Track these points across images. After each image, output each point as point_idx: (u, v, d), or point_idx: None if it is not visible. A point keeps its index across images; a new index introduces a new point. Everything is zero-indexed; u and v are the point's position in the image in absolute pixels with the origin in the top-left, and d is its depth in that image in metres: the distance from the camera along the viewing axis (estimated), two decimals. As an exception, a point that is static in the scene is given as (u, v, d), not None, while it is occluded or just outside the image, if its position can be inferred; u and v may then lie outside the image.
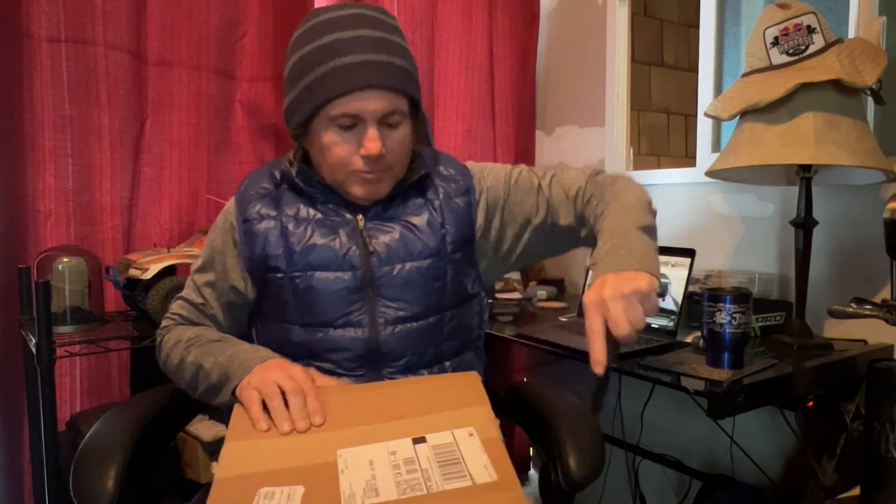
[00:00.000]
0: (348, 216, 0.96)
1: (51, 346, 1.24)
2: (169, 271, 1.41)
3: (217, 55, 1.72)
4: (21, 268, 1.43)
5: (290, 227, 0.95)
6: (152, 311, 1.37)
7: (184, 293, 1.04)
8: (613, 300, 0.75)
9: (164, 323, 1.04)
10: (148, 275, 1.37)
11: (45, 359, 1.23)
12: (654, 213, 0.94)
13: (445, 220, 0.97)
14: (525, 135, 2.25)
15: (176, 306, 1.04)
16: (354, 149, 0.89)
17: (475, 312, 1.05)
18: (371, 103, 0.87)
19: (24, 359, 1.46)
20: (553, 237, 1.03)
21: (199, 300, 1.01)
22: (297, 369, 0.85)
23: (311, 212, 0.96)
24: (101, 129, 1.56)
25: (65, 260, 1.42)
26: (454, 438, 0.74)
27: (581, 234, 1.01)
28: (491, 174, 1.03)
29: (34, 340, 1.25)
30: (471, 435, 0.74)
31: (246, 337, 1.01)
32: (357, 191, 0.93)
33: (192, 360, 0.93)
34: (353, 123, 0.88)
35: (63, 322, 1.39)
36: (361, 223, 0.96)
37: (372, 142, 0.88)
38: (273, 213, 0.96)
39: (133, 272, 1.39)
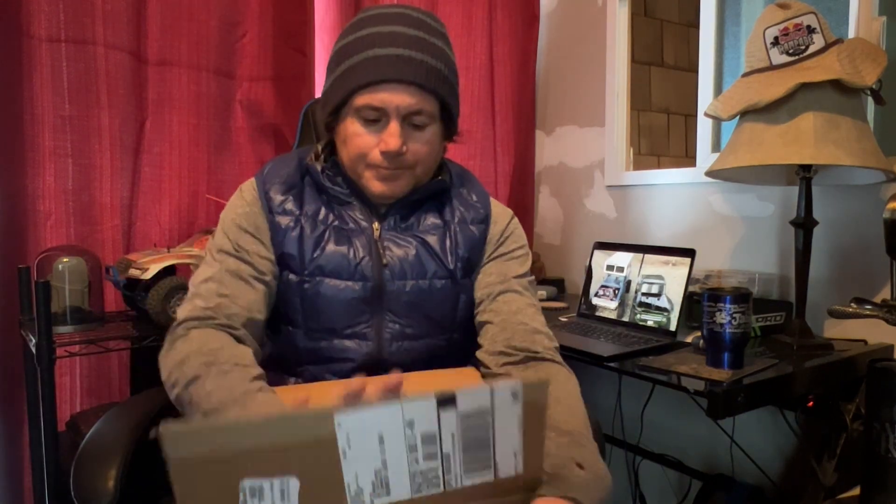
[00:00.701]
0: (364, 224, 0.95)
1: (51, 346, 1.23)
2: (169, 271, 1.41)
3: (217, 55, 1.72)
4: (21, 268, 1.43)
5: (308, 229, 0.93)
6: (152, 311, 1.37)
7: (202, 274, 0.89)
8: None
9: (184, 314, 0.86)
10: (148, 275, 1.37)
11: (45, 359, 1.23)
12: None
13: (459, 244, 0.96)
14: (525, 135, 2.24)
15: (197, 295, 0.88)
16: (374, 142, 0.88)
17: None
18: (396, 98, 0.86)
19: (24, 359, 1.46)
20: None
21: (241, 266, 0.88)
22: None
23: (330, 216, 0.94)
24: (101, 129, 1.56)
25: (65, 260, 1.41)
26: (492, 403, 0.56)
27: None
28: (510, 238, 1.01)
29: (34, 340, 1.24)
30: (514, 396, 0.56)
31: None
32: (374, 186, 0.92)
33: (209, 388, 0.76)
34: (377, 117, 0.88)
35: (63, 322, 1.39)
36: (377, 232, 0.94)
37: (392, 137, 0.86)
38: (296, 212, 0.93)
39: (133, 272, 1.39)
